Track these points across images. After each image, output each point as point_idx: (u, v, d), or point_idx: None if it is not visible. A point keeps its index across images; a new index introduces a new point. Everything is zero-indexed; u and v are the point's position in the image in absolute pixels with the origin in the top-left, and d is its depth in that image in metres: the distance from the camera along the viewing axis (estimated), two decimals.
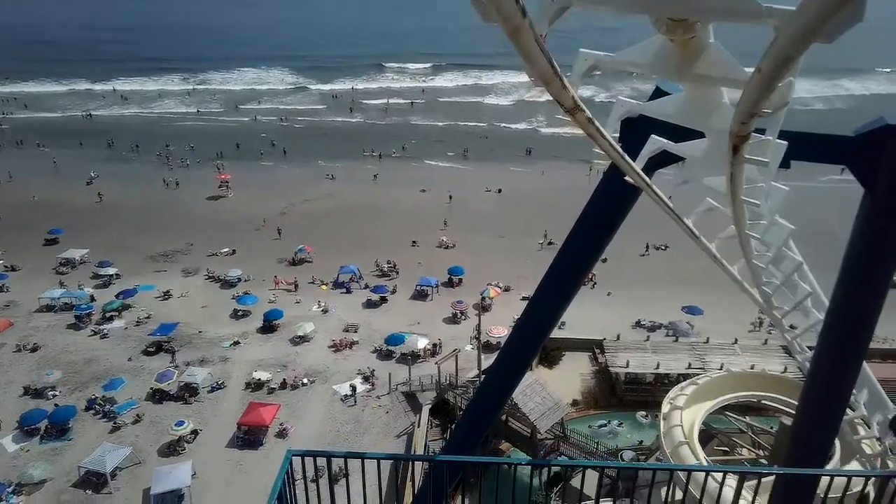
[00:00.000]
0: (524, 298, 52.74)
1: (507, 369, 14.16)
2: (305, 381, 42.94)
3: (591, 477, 33.12)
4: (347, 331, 48.94)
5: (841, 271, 7.71)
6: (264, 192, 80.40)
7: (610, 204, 10.10)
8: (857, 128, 7.09)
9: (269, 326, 49.22)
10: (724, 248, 13.35)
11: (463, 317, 50.27)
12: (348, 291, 55.65)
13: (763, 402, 27.26)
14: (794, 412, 27.40)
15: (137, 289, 54.78)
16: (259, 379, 42.52)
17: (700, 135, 7.12)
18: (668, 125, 7.37)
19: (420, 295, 54.68)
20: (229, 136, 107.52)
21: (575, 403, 40.20)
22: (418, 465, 34.14)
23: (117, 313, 51.15)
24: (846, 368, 8.32)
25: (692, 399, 25.85)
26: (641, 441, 35.42)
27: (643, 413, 38.94)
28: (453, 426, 36.96)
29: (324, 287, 56.68)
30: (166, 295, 54.69)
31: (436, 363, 39.70)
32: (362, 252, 61.52)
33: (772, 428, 28.81)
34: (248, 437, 37.21)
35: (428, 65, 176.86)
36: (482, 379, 35.20)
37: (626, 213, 9.99)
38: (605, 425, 38.73)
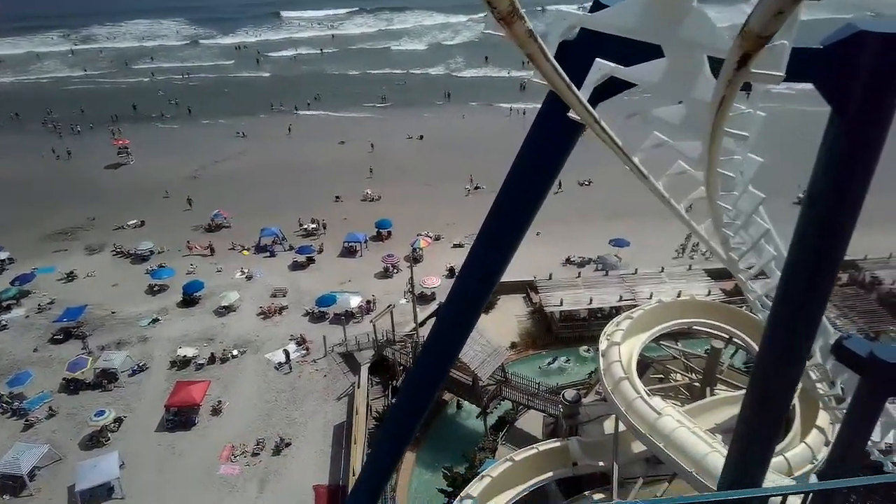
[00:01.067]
0: (456, 246, 52.21)
1: (451, 327, 13.16)
2: (235, 352, 40.87)
3: (535, 417, 33.76)
4: (275, 296, 46.80)
5: (806, 202, 6.98)
6: (170, 156, 74.82)
7: (550, 143, 8.99)
8: (824, 38, 6.20)
9: (189, 299, 46.24)
10: (673, 187, 12.72)
11: (395, 270, 49.14)
12: (272, 255, 53.05)
13: (694, 328, 27.99)
14: (724, 335, 28.45)
15: (35, 272, 49.95)
16: (184, 356, 40.06)
17: (654, 56, 6.04)
18: (617, 46, 6.24)
19: (348, 252, 52.89)
20: (124, 97, 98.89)
21: (513, 346, 40.43)
22: (363, 424, 33.56)
23: (15, 301, 46.56)
24: (811, 306, 7.79)
25: (628, 333, 26.11)
26: (590, 374, 35.97)
27: (585, 347, 39.69)
28: (396, 384, 36.39)
29: (245, 252, 53.76)
30: (70, 276, 50.22)
31: (371, 322, 38.55)
32: (283, 212, 58.63)
33: (705, 352, 29.81)
34: (179, 418, 35.14)
35: (335, 11, 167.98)
36: (425, 340, 34.44)
37: (568, 151, 8.91)
38: (552, 362, 39.33)
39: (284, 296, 46.85)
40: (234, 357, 40.59)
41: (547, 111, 8.81)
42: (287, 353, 39.76)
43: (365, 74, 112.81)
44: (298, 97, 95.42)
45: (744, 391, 23.92)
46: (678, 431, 20.33)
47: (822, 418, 22.75)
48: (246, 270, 50.29)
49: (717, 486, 13.85)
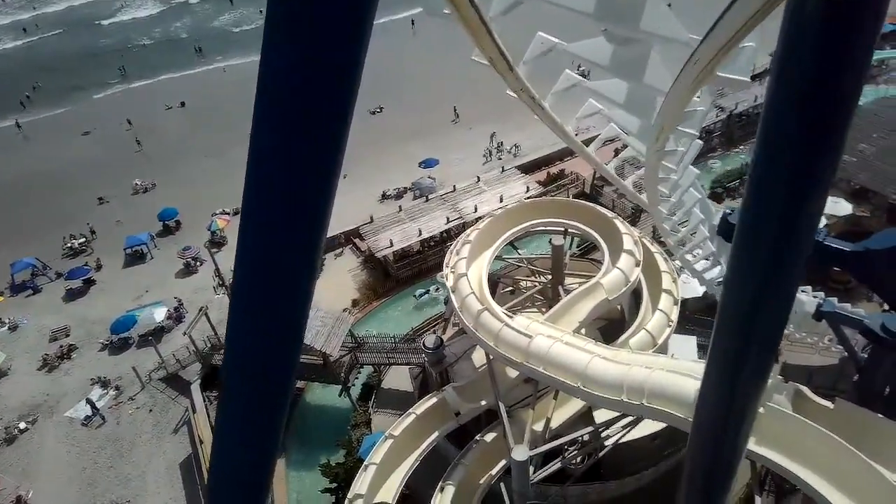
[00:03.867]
0: None
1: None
2: (23, 425, 32.43)
3: (401, 370, 31.17)
4: (56, 339, 37.85)
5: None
6: None
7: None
8: None
9: None
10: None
11: (197, 263, 42.21)
12: (35, 291, 42.71)
13: (531, 231, 26.74)
14: (560, 229, 27.67)
15: None
16: None
17: None
18: None
19: (134, 258, 44.36)
20: None
21: (355, 304, 37.07)
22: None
23: None
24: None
25: (471, 258, 23.99)
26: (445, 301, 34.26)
27: (440, 274, 37.56)
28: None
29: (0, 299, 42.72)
30: None
31: (184, 333, 32.34)
32: (35, 235, 47.41)
33: (545, 253, 28.92)
34: None
35: None
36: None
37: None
38: (424, 293, 37.30)
39: (68, 335, 38.08)
40: (22, 431, 32.19)
41: None
42: (92, 403, 32.38)
43: (89, 49, 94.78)
44: (12, 94, 77.08)
45: (594, 277, 23.34)
46: (553, 349, 18.80)
47: (666, 302, 23.02)
48: (6, 320, 39.96)
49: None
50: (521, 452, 17.86)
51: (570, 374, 18.18)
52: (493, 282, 28.21)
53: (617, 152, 31.09)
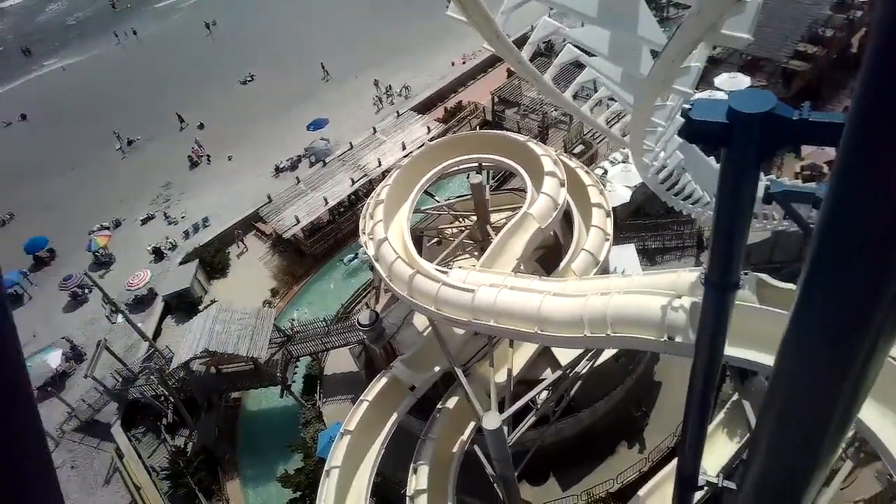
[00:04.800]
0: (147, 219, 41.60)
1: None
2: None
3: (342, 352, 28.79)
4: None
5: None
6: None
7: None
8: None
9: None
10: None
11: (86, 291, 37.15)
12: None
13: (445, 174, 24.53)
14: (473, 165, 25.60)
15: None
16: None
17: None
18: None
19: (10, 302, 38.50)
20: None
21: (276, 294, 33.95)
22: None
23: None
24: None
25: (387, 219, 21.58)
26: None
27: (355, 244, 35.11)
28: (169, 421, 28.09)
29: None
30: None
31: (86, 376, 28.09)
32: None
33: (464, 195, 26.88)
34: None
35: None
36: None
37: None
38: (353, 257, 34.95)
39: None
40: None
41: None
42: None
43: None
44: None
45: (518, 208, 21.64)
46: (500, 298, 17.02)
47: (598, 217, 21.76)
48: None
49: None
50: (492, 420, 16.23)
51: (523, 320, 16.53)
52: (417, 237, 26.04)
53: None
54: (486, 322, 17.09)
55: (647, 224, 29.11)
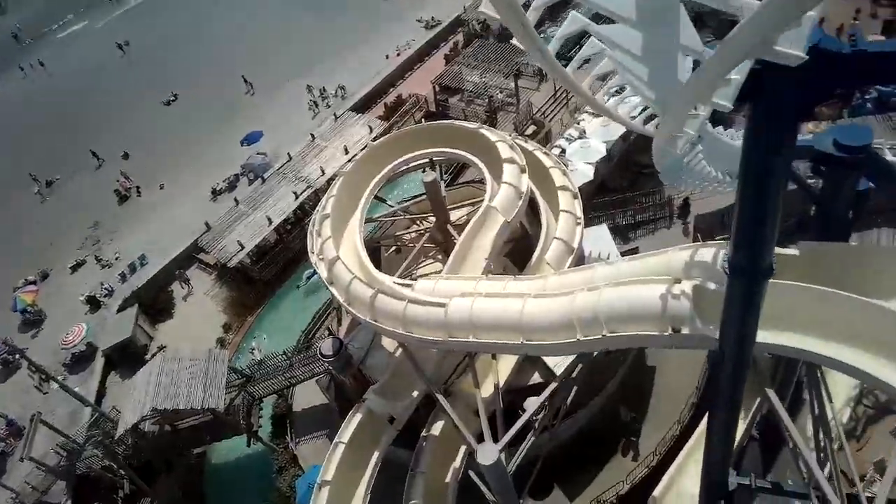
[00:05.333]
0: (77, 266, 37.99)
1: None
2: None
3: (312, 385, 26.21)
4: None
5: None
6: None
7: None
8: None
9: None
10: None
11: (15, 357, 33.35)
12: None
13: (394, 175, 22.30)
14: (424, 160, 23.42)
15: None
16: None
17: None
18: None
19: None
20: None
21: (228, 329, 31.13)
22: None
23: None
24: None
25: (336, 234, 19.25)
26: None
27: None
28: (127, 492, 25.07)
29: None
30: None
31: (21, 459, 24.54)
32: None
33: (419, 195, 24.64)
34: None
35: None
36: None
37: None
38: (312, 274, 31.28)
39: None
40: None
41: None
42: None
43: None
44: None
45: (480, 203, 19.58)
46: (476, 309, 14.96)
47: (565, 200, 20.00)
48: None
49: None
50: (488, 454, 14.16)
51: (506, 331, 14.53)
52: (373, 249, 23.77)
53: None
54: (463, 339, 15.01)
55: (615, 200, 27.45)
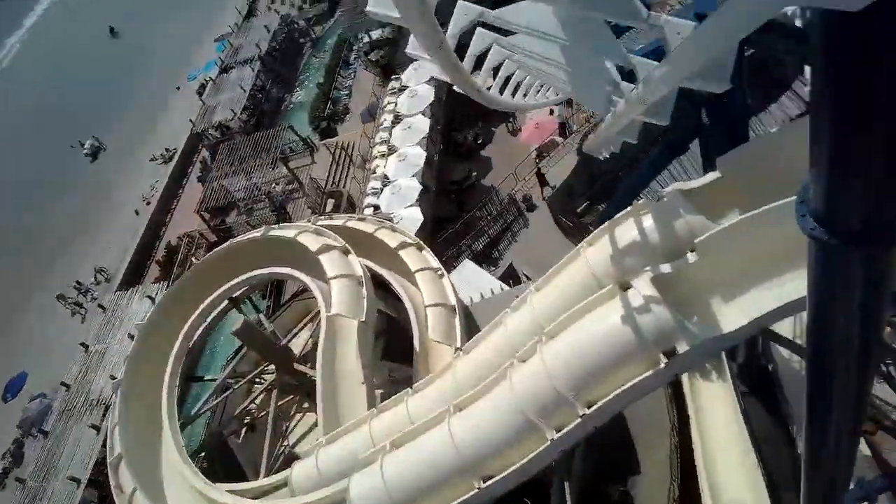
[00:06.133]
0: None
1: None
2: None
3: None
4: None
5: None
6: None
7: None
8: None
9: None
10: None
11: None
12: None
13: (192, 341, 16.18)
14: (223, 306, 17.58)
15: None
16: None
17: None
18: None
19: None
20: None
21: None
22: None
23: None
24: None
25: (142, 474, 12.69)
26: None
27: None
28: None
29: None
30: None
31: None
32: None
33: (242, 351, 18.53)
34: None
35: None
36: None
37: None
38: None
39: None
40: None
41: None
42: None
43: None
44: None
45: (319, 315, 14.35)
46: (390, 475, 9.79)
47: (413, 257, 15.73)
48: None
49: None
50: None
51: (448, 485, 9.32)
52: (221, 444, 17.30)
53: None
54: None
55: (459, 228, 23.62)
